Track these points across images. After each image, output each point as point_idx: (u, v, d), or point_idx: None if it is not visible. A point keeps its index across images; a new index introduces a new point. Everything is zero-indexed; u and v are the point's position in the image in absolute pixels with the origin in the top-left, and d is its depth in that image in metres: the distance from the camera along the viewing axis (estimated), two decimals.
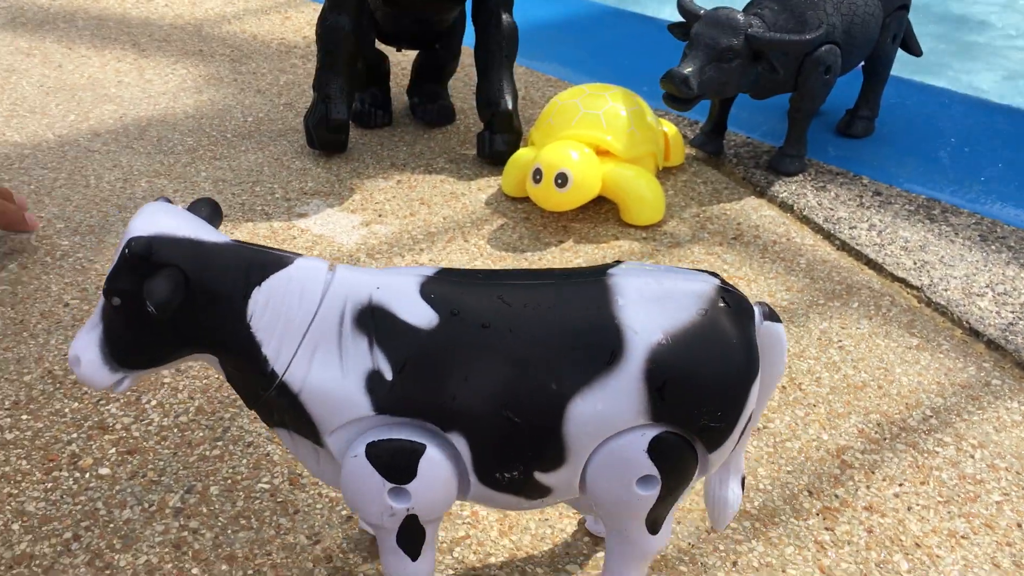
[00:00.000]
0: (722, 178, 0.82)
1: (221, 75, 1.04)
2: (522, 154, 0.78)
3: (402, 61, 0.97)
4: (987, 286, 0.66)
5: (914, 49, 0.88)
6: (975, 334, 0.62)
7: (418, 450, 0.34)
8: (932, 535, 0.48)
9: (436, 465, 0.35)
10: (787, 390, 0.57)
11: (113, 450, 0.52)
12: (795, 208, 0.76)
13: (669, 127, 0.82)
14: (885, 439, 0.54)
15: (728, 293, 0.35)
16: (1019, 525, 0.49)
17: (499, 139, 0.83)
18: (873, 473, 0.51)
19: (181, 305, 0.34)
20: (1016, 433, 0.54)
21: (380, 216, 0.77)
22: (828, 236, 0.73)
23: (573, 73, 0.99)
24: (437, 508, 0.35)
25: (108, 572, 0.45)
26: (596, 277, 0.35)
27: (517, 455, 0.35)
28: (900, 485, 0.51)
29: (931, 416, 0.55)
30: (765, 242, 0.73)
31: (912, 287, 0.67)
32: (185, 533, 0.46)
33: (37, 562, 0.45)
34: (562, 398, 0.34)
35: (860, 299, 0.66)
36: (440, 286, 0.35)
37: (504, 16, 0.82)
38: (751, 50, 0.73)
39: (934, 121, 0.90)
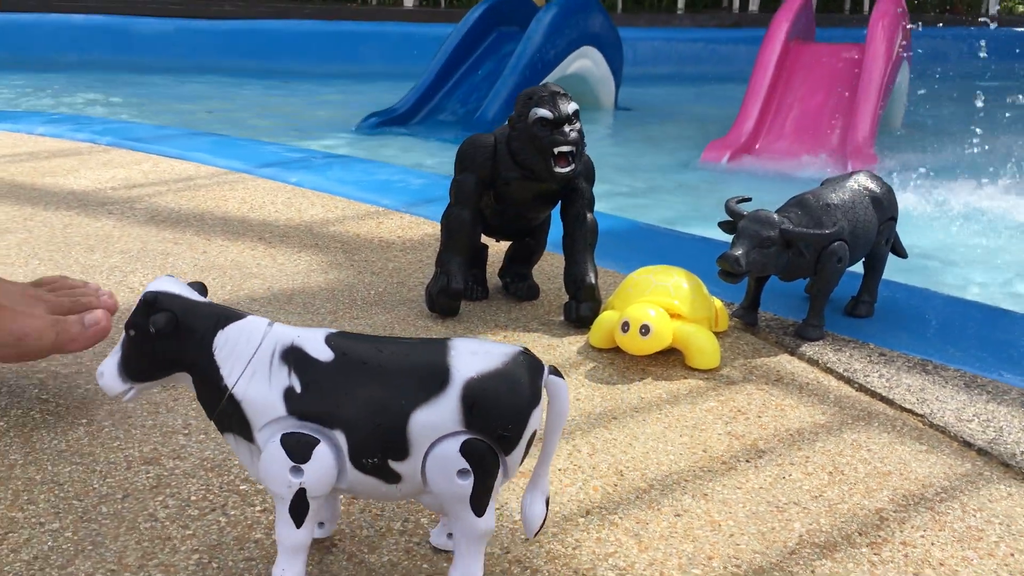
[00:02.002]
0: (759, 341, 1.04)
1: (339, 261, 1.27)
2: (607, 315, 1.00)
3: (495, 248, 1.21)
4: (973, 415, 0.87)
5: (900, 252, 1.13)
6: (968, 445, 0.82)
7: (313, 441, 0.55)
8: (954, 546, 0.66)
9: (323, 452, 0.55)
10: (833, 475, 0.77)
11: None
12: (820, 362, 0.98)
13: (717, 301, 1.05)
14: (910, 505, 0.72)
15: (526, 355, 0.57)
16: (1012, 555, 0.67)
17: (584, 306, 1.05)
18: (904, 523, 0.70)
19: (172, 336, 0.55)
20: (1005, 503, 0.73)
21: None
22: (848, 381, 0.94)
23: (626, 268, 1.23)
24: (321, 486, 0.56)
25: None
26: (441, 340, 0.57)
27: (378, 447, 0.55)
28: (922, 534, 0.69)
29: (943, 491, 0.74)
30: (801, 383, 0.93)
31: (917, 414, 0.87)
32: None
33: None
34: (408, 409, 0.55)
35: (879, 421, 0.86)
36: (337, 338, 0.58)
37: (588, 215, 1.07)
38: (784, 240, 0.97)
39: (920, 311, 1.13)
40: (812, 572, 0.65)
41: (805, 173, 3.22)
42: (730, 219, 1.02)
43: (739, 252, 0.96)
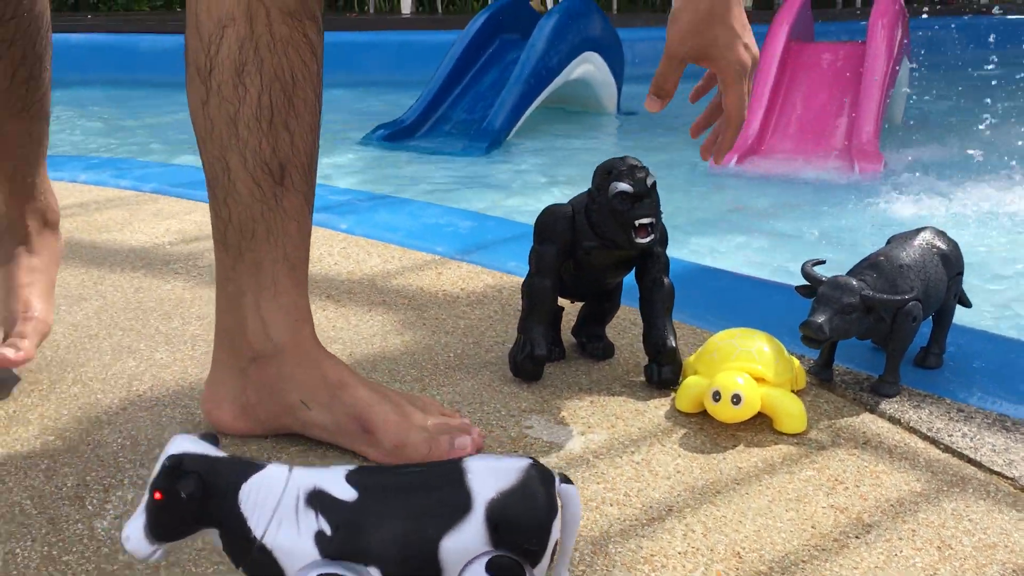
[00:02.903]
0: (837, 399, 1.07)
1: (411, 320, 1.30)
2: (693, 380, 1.03)
3: (569, 308, 1.24)
4: None
5: (965, 303, 1.17)
6: None
7: None
8: None
9: None
10: (941, 549, 0.80)
11: None
12: (902, 421, 1.01)
13: (795, 360, 1.08)
14: (1009, 569, 0.76)
15: (536, 467, 0.61)
16: None
17: (666, 370, 1.08)
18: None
19: (200, 499, 0.58)
20: None
21: (589, 427, 1.01)
22: (934, 442, 0.98)
23: (714, 328, 1.26)
24: None
25: None
26: (455, 462, 0.61)
27: None
28: None
29: None
30: (888, 446, 0.97)
31: (1007, 478, 0.91)
32: None
33: None
34: (436, 538, 0.58)
35: (972, 486, 0.90)
36: (357, 474, 0.61)
37: (665, 279, 1.10)
38: (865, 306, 1.00)
39: (987, 358, 1.17)
40: None
41: (811, 174, 3.26)
42: (808, 283, 1.05)
43: (822, 319, 0.99)
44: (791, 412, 0.99)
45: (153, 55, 5.84)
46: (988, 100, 3.90)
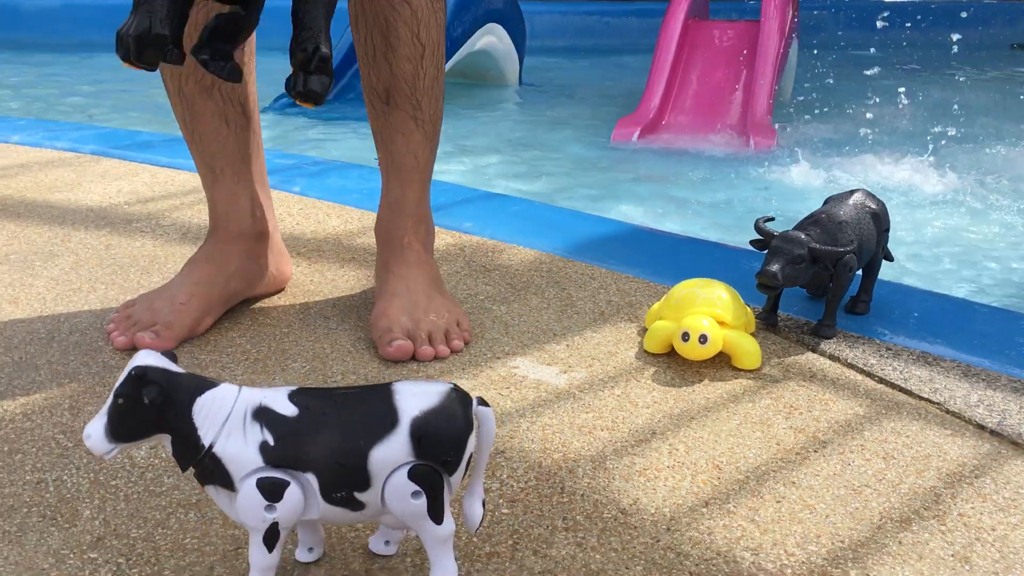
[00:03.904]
0: (783, 340, 1.21)
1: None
2: (661, 324, 1.15)
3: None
4: (978, 401, 1.06)
5: (888, 257, 1.32)
6: (981, 427, 1.01)
7: (284, 483, 0.66)
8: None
9: (293, 492, 0.66)
10: (887, 460, 0.94)
11: None
12: (840, 359, 1.16)
13: (747, 307, 1.21)
14: (954, 482, 0.91)
15: (456, 391, 0.69)
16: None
17: (314, 79, 0.88)
18: (955, 498, 0.88)
19: (160, 406, 0.65)
20: (1006, 471, 0.93)
21: (570, 367, 1.12)
22: (868, 375, 1.12)
23: (666, 281, 1.38)
24: (291, 520, 0.68)
25: None
26: (385, 386, 0.69)
27: (344, 482, 0.66)
28: (971, 505, 0.87)
29: (975, 469, 0.93)
30: (832, 379, 1.11)
31: (934, 402, 1.06)
32: None
33: None
34: (366, 449, 0.66)
35: (906, 410, 1.04)
36: (298, 395, 0.68)
37: None
38: (812, 256, 1.14)
39: (906, 307, 1.33)
40: (899, 543, 0.82)
41: (709, 148, 3.44)
42: (761, 238, 1.18)
43: (775, 268, 1.12)
44: (749, 350, 1.12)
45: (39, 14, 5.62)
46: (870, 79, 4.17)
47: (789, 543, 0.82)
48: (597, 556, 0.79)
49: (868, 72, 4.25)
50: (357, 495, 0.67)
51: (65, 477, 0.87)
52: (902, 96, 3.85)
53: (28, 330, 1.17)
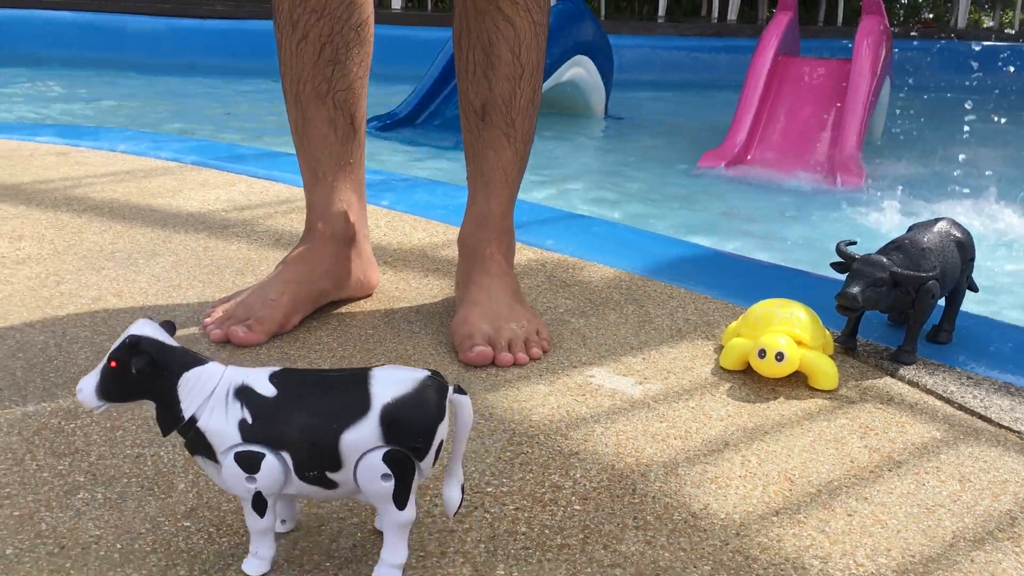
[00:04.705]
0: (862, 365, 1.21)
1: None
2: (738, 342, 1.16)
3: None
4: None
5: (973, 288, 1.31)
6: None
7: (260, 455, 0.69)
8: None
9: (270, 465, 0.69)
10: (962, 482, 0.94)
11: None
12: (919, 384, 1.15)
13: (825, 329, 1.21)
14: (1020, 498, 0.90)
15: (433, 378, 0.71)
16: None
17: None
18: None
19: (150, 372, 0.68)
20: None
21: (645, 378, 1.13)
22: (948, 401, 1.11)
23: (745, 303, 1.39)
24: (272, 489, 0.70)
25: None
26: (364, 370, 0.71)
27: (316, 462, 0.69)
28: None
29: None
30: (910, 403, 1.10)
31: (1014, 431, 1.05)
32: None
33: None
34: (338, 432, 0.68)
35: (985, 436, 1.03)
36: (279, 376, 0.71)
37: None
38: (893, 280, 1.14)
39: (991, 338, 1.31)
40: (971, 561, 0.82)
41: (795, 184, 3.42)
42: (842, 260, 1.19)
43: (856, 290, 1.12)
44: (826, 371, 1.12)
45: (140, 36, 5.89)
46: (963, 121, 4.10)
47: (859, 554, 0.82)
48: (666, 554, 0.81)
49: (961, 114, 4.19)
50: (329, 475, 0.70)
51: (162, 453, 0.92)
52: (994, 140, 3.77)
53: (130, 321, 1.23)
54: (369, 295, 1.36)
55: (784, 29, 3.89)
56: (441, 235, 1.66)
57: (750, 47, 4.03)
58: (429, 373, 0.72)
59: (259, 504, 0.71)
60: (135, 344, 0.69)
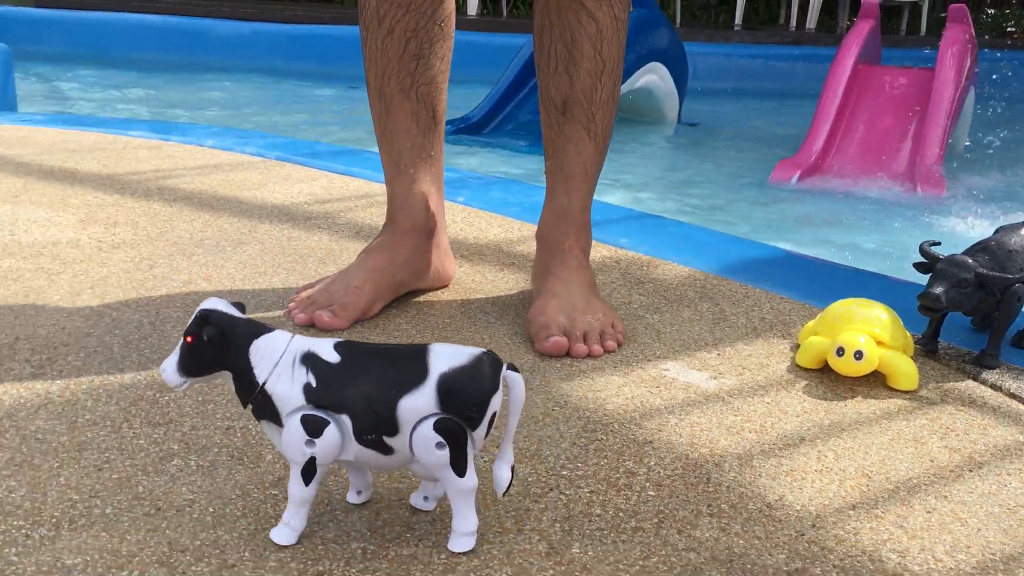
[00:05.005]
0: (943, 367, 1.19)
1: None
2: (816, 340, 1.15)
3: None
4: None
5: None
6: None
7: (323, 422, 0.72)
8: None
9: (332, 431, 0.72)
10: None
11: None
12: (1003, 388, 1.13)
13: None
14: None
15: (488, 355, 0.74)
16: None
17: None
18: None
19: (219, 344, 0.72)
20: None
21: (720, 373, 1.14)
22: None
23: (823, 304, 1.38)
24: (328, 456, 0.73)
25: None
26: (423, 345, 0.74)
27: (374, 426, 0.72)
28: None
29: None
30: (992, 406, 1.09)
31: None
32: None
33: None
34: (396, 398, 0.72)
35: None
36: (343, 345, 0.74)
37: None
38: (978, 282, 1.12)
39: None
40: None
41: (874, 193, 3.36)
42: (925, 260, 1.17)
43: (939, 291, 1.11)
44: (906, 371, 1.11)
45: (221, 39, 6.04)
46: None
47: (938, 550, 0.81)
48: (740, 541, 0.81)
49: None
50: (386, 439, 0.73)
51: (250, 426, 0.96)
52: None
53: None
54: (446, 286, 1.38)
55: (865, 37, 3.84)
56: (516, 231, 1.68)
57: (829, 55, 3.98)
58: (485, 351, 0.75)
59: (309, 471, 0.74)
60: (206, 317, 0.73)
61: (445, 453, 0.72)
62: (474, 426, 0.73)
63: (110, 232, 1.57)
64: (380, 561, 0.76)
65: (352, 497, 0.83)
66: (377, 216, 1.71)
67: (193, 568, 0.74)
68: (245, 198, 1.80)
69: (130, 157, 2.09)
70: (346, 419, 0.72)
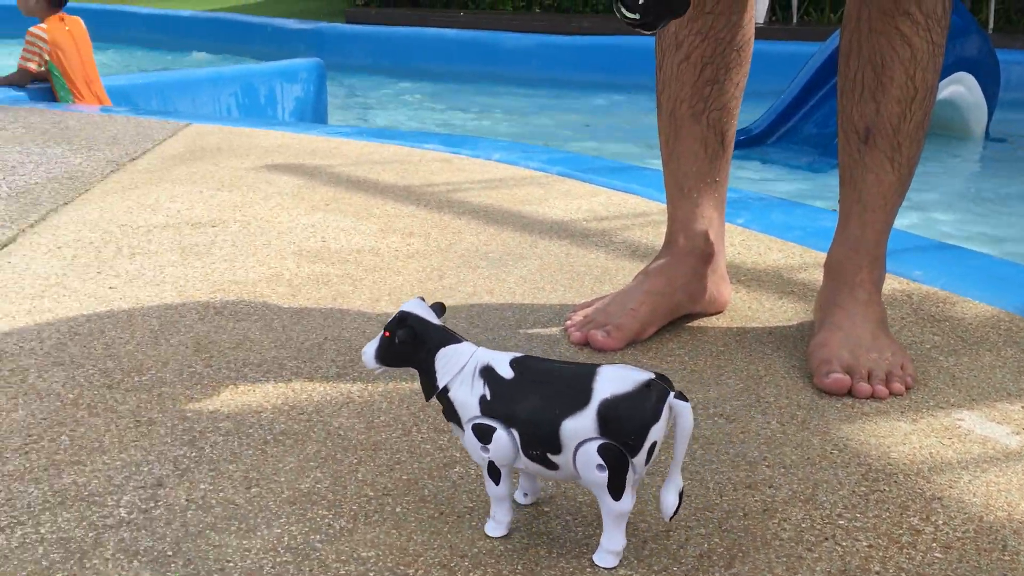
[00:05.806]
0: None
1: None
2: None
3: None
4: None
5: None
6: None
7: (491, 428, 0.77)
8: None
9: (500, 439, 0.77)
10: None
11: None
12: None
13: None
14: None
15: (655, 382, 0.74)
16: None
17: None
18: None
19: (412, 343, 0.78)
20: None
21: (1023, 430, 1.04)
22: None
23: None
24: (504, 459, 0.78)
25: None
26: (592, 366, 0.76)
27: (540, 443, 0.75)
28: None
29: None
30: None
31: None
32: None
33: None
34: (560, 419, 0.74)
35: None
36: (519, 361, 0.78)
37: None
38: None
39: None
40: None
41: None
42: None
43: None
44: None
45: (512, 52, 6.28)
46: None
47: None
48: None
49: None
50: (550, 456, 0.76)
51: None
52: None
53: (500, 317, 1.34)
54: (720, 311, 1.37)
55: None
56: (798, 257, 1.63)
57: None
58: (654, 375, 0.76)
59: (493, 472, 0.79)
60: (403, 319, 0.80)
61: (604, 476, 0.75)
62: (634, 453, 0.74)
63: (405, 242, 1.69)
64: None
65: (519, 497, 0.88)
66: (653, 236, 1.72)
67: (471, 574, 0.78)
68: (527, 212, 1.87)
69: (424, 170, 2.24)
70: (515, 432, 0.77)
